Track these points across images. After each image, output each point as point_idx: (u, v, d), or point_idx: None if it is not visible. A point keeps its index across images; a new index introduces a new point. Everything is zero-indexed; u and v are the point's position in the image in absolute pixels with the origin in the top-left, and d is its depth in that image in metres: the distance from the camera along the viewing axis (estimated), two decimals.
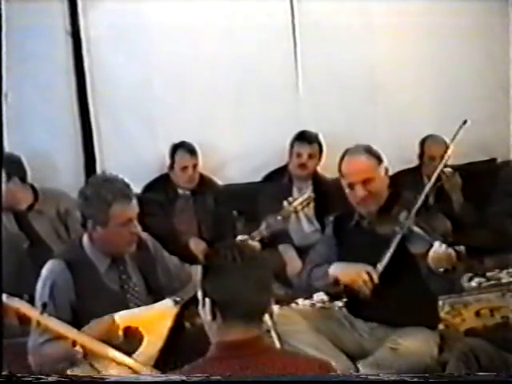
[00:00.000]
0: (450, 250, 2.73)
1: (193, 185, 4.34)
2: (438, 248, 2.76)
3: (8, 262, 3.00)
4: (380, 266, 2.94)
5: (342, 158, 3.10)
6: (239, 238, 3.39)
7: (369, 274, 2.93)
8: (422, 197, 3.01)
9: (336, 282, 3.04)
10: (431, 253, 2.77)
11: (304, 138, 4.39)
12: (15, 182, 3.83)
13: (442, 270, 2.79)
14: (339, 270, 3.03)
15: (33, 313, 2.65)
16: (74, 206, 3.87)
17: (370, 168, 3.03)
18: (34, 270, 2.93)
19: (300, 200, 3.27)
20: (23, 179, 3.89)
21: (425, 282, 2.95)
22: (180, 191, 4.35)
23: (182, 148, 4.31)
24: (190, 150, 4.30)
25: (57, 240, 3.85)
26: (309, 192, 4.38)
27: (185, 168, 4.29)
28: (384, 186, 3.06)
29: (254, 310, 1.93)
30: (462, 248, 2.75)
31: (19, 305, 2.65)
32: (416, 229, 2.89)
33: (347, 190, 3.06)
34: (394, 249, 2.93)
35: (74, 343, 2.59)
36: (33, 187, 3.93)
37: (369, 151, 3.06)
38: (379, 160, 3.06)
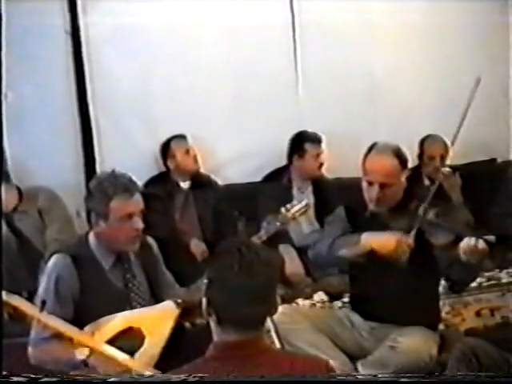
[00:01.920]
0: (482, 243, 2.69)
1: (197, 167, 4.38)
2: (469, 241, 2.72)
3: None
4: (413, 232, 2.88)
5: (368, 151, 3.05)
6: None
7: (405, 242, 2.88)
8: (435, 186, 3.00)
9: (369, 251, 2.94)
10: (462, 245, 2.74)
11: (315, 138, 4.41)
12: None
13: (473, 261, 2.76)
14: (374, 240, 2.95)
15: (32, 311, 2.64)
16: (50, 202, 3.88)
17: (392, 172, 2.98)
18: (26, 269, 2.92)
19: (298, 207, 3.26)
20: (7, 180, 3.85)
21: (431, 282, 2.95)
22: (181, 184, 4.36)
23: (175, 138, 4.37)
24: (182, 137, 4.37)
25: (40, 238, 3.84)
26: (309, 192, 4.42)
27: (187, 152, 4.34)
28: (400, 191, 3.02)
29: (248, 320, 1.90)
30: (492, 238, 2.72)
31: (18, 302, 2.64)
32: (436, 220, 2.86)
33: (364, 184, 3.02)
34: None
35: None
36: (17, 187, 3.90)
37: (397, 154, 3.01)
38: (404, 165, 3.03)
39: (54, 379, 2.07)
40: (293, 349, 2.94)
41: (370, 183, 2.99)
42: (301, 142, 4.42)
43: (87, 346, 2.57)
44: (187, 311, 2.80)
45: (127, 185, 2.76)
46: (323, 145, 4.40)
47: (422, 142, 4.56)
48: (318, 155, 4.40)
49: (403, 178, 3.03)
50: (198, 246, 4.19)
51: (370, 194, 2.99)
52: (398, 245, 2.88)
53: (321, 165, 4.42)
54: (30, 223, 3.85)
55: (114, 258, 2.83)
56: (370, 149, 3.05)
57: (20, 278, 3.05)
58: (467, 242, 2.73)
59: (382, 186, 2.96)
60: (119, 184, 2.74)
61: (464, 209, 3.05)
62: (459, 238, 2.77)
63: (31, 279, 2.88)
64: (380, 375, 2.60)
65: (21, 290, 2.88)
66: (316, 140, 4.40)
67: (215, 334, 1.93)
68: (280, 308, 2.00)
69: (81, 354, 2.55)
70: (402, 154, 3.03)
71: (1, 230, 2.92)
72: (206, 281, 1.95)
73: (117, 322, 2.69)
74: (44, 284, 2.76)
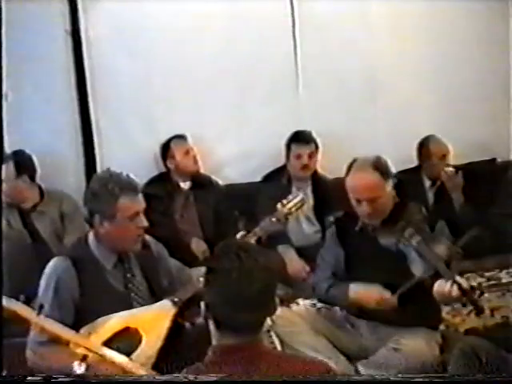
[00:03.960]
0: (455, 289, 2.64)
1: (197, 167, 4.37)
2: (443, 285, 2.68)
3: (12, 258, 3.02)
4: (399, 291, 2.91)
5: (348, 169, 3.06)
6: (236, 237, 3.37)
7: (387, 299, 2.93)
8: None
9: (356, 302, 3.05)
10: (436, 287, 2.71)
11: (301, 138, 4.38)
12: (24, 179, 3.88)
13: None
14: (358, 294, 3.02)
15: (30, 315, 2.63)
16: (74, 209, 3.91)
17: (376, 186, 2.98)
18: (36, 268, 2.92)
19: (293, 202, 3.26)
20: (32, 178, 3.93)
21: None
22: (181, 184, 4.36)
23: (175, 139, 4.36)
24: (182, 137, 4.37)
25: (56, 241, 3.86)
26: (308, 192, 4.41)
27: (187, 152, 4.34)
28: (390, 201, 3.03)
29: (246, 326, 1.90)
30: (467, 285, 2.67)
31: (16, 307, 2.63)
32: (420, 250, 2.83)
33: (353, 202, 3.03)
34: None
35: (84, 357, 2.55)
36: (40, 187, 3.98)
37: (377, 167, 2.99)
38: (387, 175, 3.01)
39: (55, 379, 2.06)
40: (292, 351, 2.94)
41: (358, 201, 3.00)
42: (289, 142, 4.41)
43: (85, 348, 2.56)
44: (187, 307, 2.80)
45: (131, 183, 2.78)
46: (309, 146, 4.34)
47: (423, 142, 4.56)
48: (299, 156, 4.34)
49: (389, 188, 3.02)
50: (198, 246, 4.19)
51: (361, 210, 3.01)
52: (379, 302, 2.94)
53: (304, 166, 4.34)
54: (48, 225, 3.89)
55: (116, 258, 2.83)
56: (350, 167, 3.06)
57: (29, 276, 3.04)
58: (442, 287, 2.68)
59: (371, 201, 2.96)
60: (124, 183, 2.75)
61: (445, 240, 3.03)
62: (437, 273, 2.74)
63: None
64: (379, 376, 2.60)
65: (29, 289, 2.88)
66: (301, 140, 4.36)
67: (214, 337, 1.92)
68: (279, 311, 1.99)
69: (79, 368, 2.51)
70: (381, 165, 3.03)
71: (1, 231, 2.91)
72: (202, 279, 1.94)
73: (114, 322, 2.70)
74: (43, 288, 2.76)
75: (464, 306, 2.83)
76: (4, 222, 3.82)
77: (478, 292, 2.73)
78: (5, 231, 3.74)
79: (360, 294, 3.02)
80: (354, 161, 3.07)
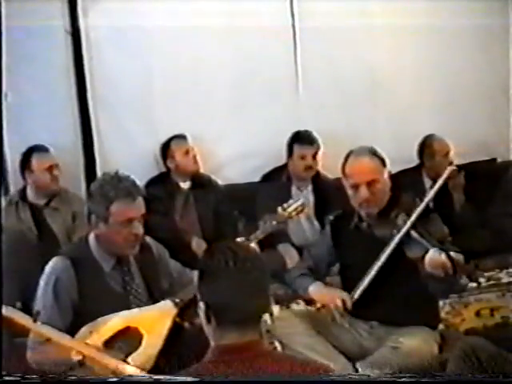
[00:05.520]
0: (445, 258, 2.70)
1: (197, 167, 4.38)
2: (434, 254, 2.75)
3: (18, 253, 3.02)
4: (355, 294, 2.98)
5: (345, 159, 3.11)
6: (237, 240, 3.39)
7: (343, 301, 2.99)
8: (424, 202, 3.02)
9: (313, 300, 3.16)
10: (427, 258, 2.77)
11: (304, 138, 4.38)
12: (51, 172, 3.94)
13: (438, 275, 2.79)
14: (317, 292, 3.13)
15: (27, 322, 2.61)
16: (83, 209, 3.93)
17: (374, 169, 3.04)
18: (41, 264, 2.93)
19: (294, 206, 3.27)
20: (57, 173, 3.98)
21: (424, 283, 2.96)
22: (181, 184, 4.36)
23: (175, 139, 4.37)
24: (182, 137, 4.38)
25: (67, 240, 3.87)
26: (309, 191, 4.41)
27: (187, 152, 4.35)
28: (386, 189, 3.07)
29: (249, 316, 1.90)
30: (459, 256, 2.72)
31: (12, 314, 2.61)
32: (413, 233, 2.88)
33: (350, 192, 3.06)
34: (374, 274, 2.96)
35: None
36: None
37: (373, 153, 3.07)
38: (383, 163, 3.08)
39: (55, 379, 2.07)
40: (291, 352, 2.94)
41: (356, 186, 3.02)
42: (291, 142, 4.41)
43: (82, 353, 2.57)
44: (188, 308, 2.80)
45: (129, 189, 2.73)
46: (313, 147, 4.35)
47: (425, 141, 4.55)
48: (303, 156, 4.35)
49: (386, 175, 3.07)
50: (199, 245, 4.20)
51: (359, 196, 3.03)
52: (331, 303, 3.02)
53: (308, 167, 4.35)
54: (60, 221, 3.93)
55: (115, 260, 2.83)
56: (347, 156, 3.11)
57: (36, 275, 3.06)
58: (431, 255, 2.75)
59: (369, 184, 3.00)
60: (121, 188, 2.72)
61: (440, 222, 3.06)
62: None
63: None
64: (378, 376, 2.60)
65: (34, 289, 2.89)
66: (305, 141, 4.36)
67: (214, 338, 1.92)
68: (278, 312, 2.01)
69: (76, 355, 2.55)
70: (379, 153, 3.10)
71: (1, 235, 2.91)
72: (197, 282, 1.95)
73: (115, 321, 2.70)
74: (42, 287, 2.76)
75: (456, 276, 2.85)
76: (14, 217, 3.85)
77: (472, 264, 2.76)
78: (14, 225, 3.77)
79: (315, 294, 3.14)
80: (351, 151, 3.13)
